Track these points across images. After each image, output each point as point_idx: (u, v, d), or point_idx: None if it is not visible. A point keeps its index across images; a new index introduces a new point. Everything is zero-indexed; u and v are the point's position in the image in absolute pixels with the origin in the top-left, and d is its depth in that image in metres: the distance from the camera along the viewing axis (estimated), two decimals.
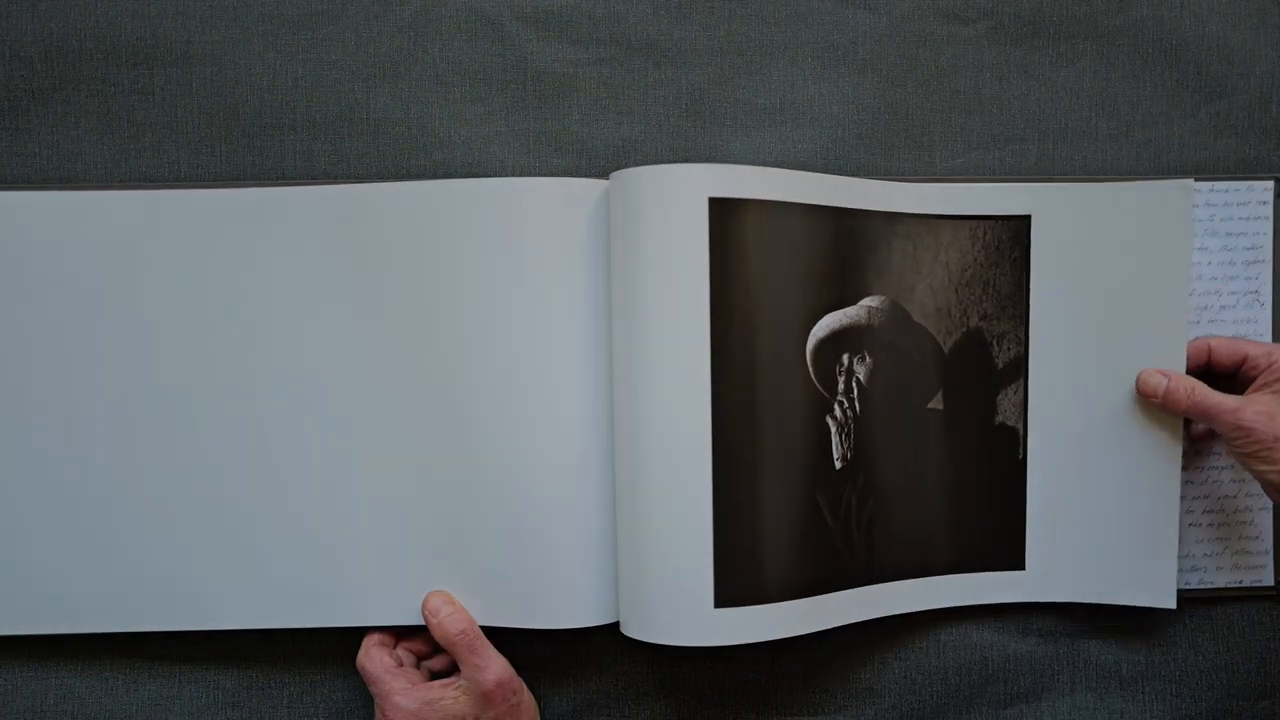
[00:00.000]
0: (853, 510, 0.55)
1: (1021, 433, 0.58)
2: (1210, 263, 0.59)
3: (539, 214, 0.52)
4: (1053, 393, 0.58)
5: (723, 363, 0.51)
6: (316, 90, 0.56)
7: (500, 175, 0.57)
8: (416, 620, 0.53)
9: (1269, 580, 0.60)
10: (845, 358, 0.55)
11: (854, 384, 0.55)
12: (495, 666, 0.51)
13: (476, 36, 0.57)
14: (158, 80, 0.56)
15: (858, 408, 0.55)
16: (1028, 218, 0.57)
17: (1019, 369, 0.58)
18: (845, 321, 0.54)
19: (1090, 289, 0.57)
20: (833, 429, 0.54)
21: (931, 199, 0.56)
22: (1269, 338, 0.59)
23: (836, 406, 0.54)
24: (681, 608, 0.51)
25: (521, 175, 0.57)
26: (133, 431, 0.54)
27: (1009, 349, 0.58)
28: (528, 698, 0.53)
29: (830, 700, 0.59)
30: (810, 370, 0.53)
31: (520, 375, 0.52)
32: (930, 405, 0.57)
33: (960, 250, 0.57)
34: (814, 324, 0.53)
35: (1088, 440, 0.58)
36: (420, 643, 0.55)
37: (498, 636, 0.53)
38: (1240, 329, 0.59)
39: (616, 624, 0.54)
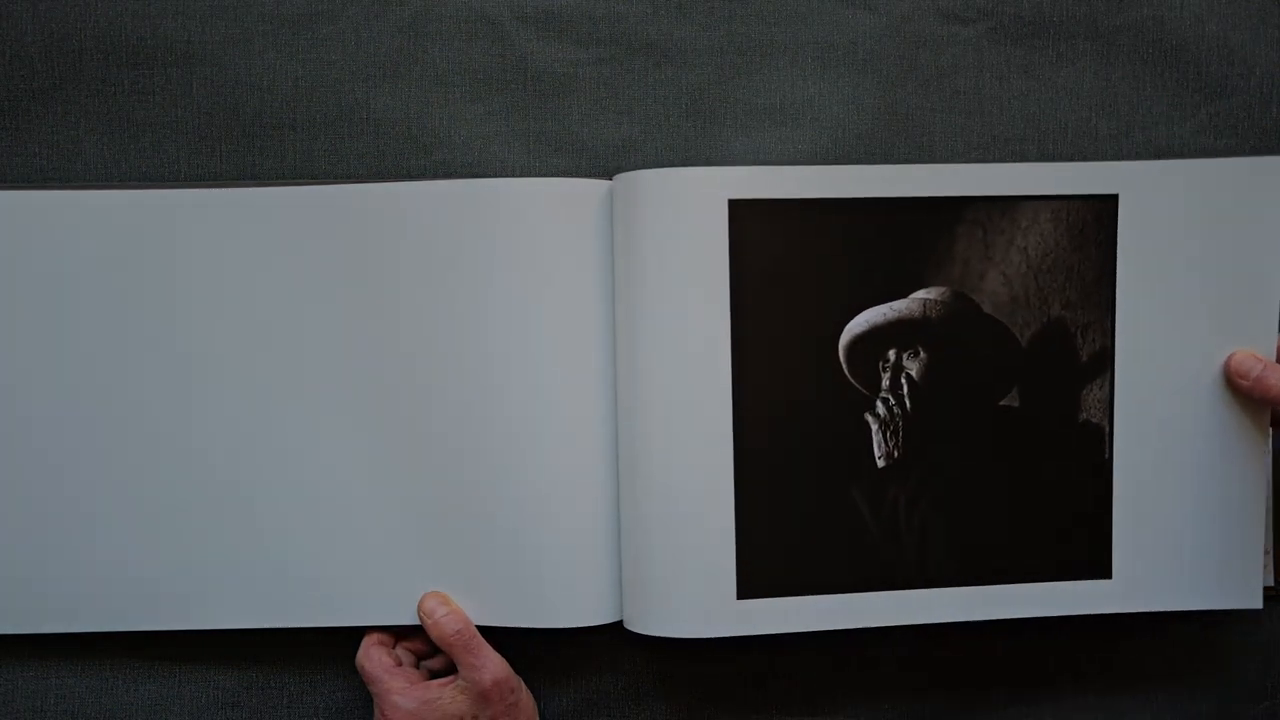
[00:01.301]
0: (900, 509, 0.54)
1: (1107, 431, 0.54)
2: None
3: (539, 214, 0.52)
4: (1139, 387, 0.54)
5: (744, 361, 0.51)
6: (316, 90, 0.56)
7: (500, 175, 0.57)
8: (415, 620, 0.53)
9: (1269, 580, 0.60)
10: (892, 353, 0.53)
11: (903, 380, 0.53)
12: (492, 666, 0.51)
13: (476, 36, 0.57)
14: (158, 80, 0.56)
15: (908, 404, 0.53)
16: (1114, 197, 0.53)
17: (1104, 362, 0.54)
18: (891, 316, 0.53)
19: (1177, 274, 0.53)
20: (874, 426, 0.53)
21: (1007, 180, 0.53)
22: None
23: (880, 404, 0.53)
24: (701, 600, 0.52)
25: (521, 175, 0.57)
26: (132, 431, 0.54)
27: (1094, 341, 0.54)
28: (526, 697, 0.53)
29: (830, 700, 0.59)
30: (845, 366, 0.53)
31: (519, 374, 0.52)
32: (1003, 402, 0.54)
33: (1040, 234, 0.53)
34: (850, 320, 0.53)
35: (1173, 436, 0.54)
36: (419, 642, 0.55)
37: (497, 636, 0.53)
38: None
39: (617, 623, 0.54)
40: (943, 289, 0.53)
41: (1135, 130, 0.59)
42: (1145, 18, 0.59)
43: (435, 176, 0.56)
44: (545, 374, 0.52)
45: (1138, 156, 0.59)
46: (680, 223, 0.51)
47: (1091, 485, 0.55)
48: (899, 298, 0.53)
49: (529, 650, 0.55)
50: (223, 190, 0.54)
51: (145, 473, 0.54)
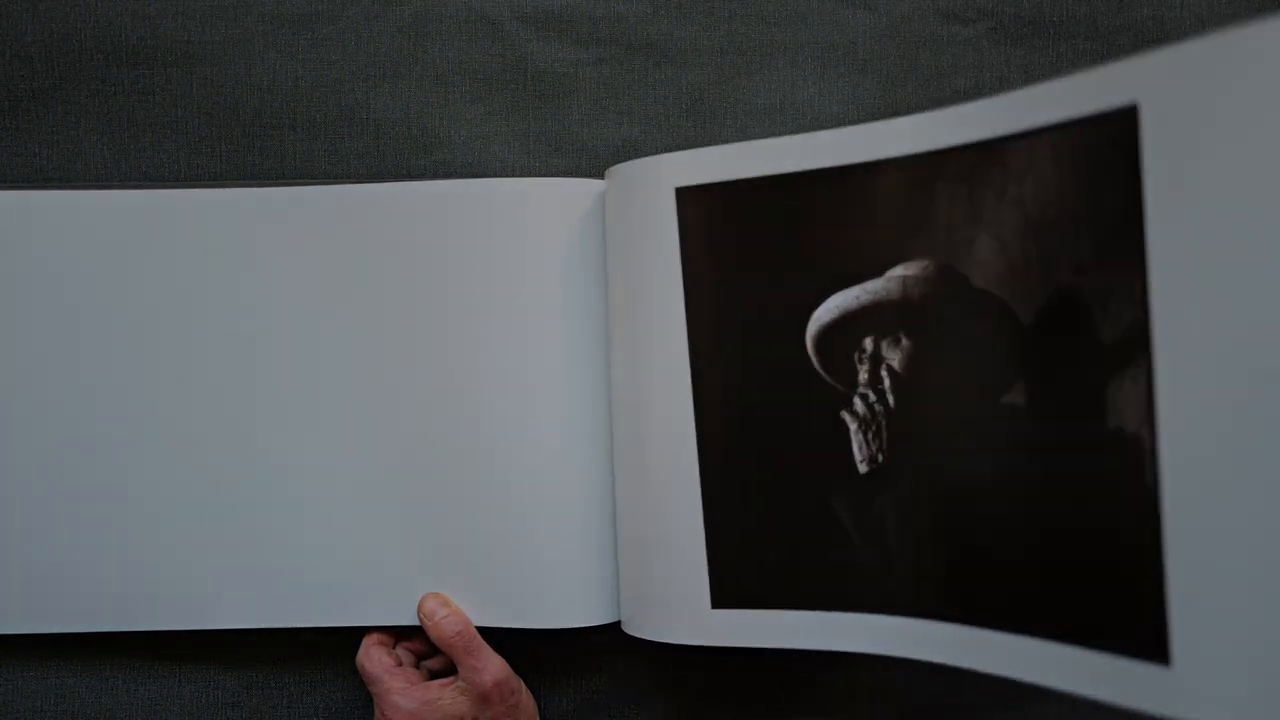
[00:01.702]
0: (890, 524, 0.46)
1: (1149, 444, 0.37)
2: None
3: (538, 214, 0.52)
4: (1195, 379, 0.35)
5: (702, 358, 0.49)
6: (316, 90, 0.56)
7: (500, 175, 0.57)
8: (415, 621, 0.53)
9: None
10: (868, 342, 0.45)
11: (883, 372, 0.45)
12: (492, 667, 0.51)
13: (476, 36, 0.57)
14: (158, 80, 0.56)
15: (891, 400, 0.45)
16: (1133, 110, 0.36)
17: (1138, 344, 0.37)
18: (864, 299, 0.45)
19: (1243, 200, 0.34)
20: (852, 426, 0.46)
21: (988, 119, 0.42)
22: None
23: (858, 400, 0.46)
24: (679, 606, 0.51)
25: (521, 175, 0.57)
26: (132, 431, 0.54)
27: (1119, 314, 0.38)
28: (526, 698, 0.53)
29: (831, 700, 0.59)
30: (815, 360, 0.46)
31: (518, 375, 0.52)
32: (1007, 399, 0.42)
33: (1039, 178, 0.40)
34: (818, 308, 0.46)
35: (1257, 450, 0.34)
36: (419, 642, 0.55)
37: (498, 636, 0.53)
38: None
39: (617, 624, 0.54)
40: (924, 263, 0.44)
41: None
42: (1145, 18, 0.59)
43: (435, 176, 0.56)
44: (545, 374, 0.52)
45: None
46: (636, 217, 0.50)
47: (1131, 521, 0.37)
48: (874, 277, 0.45)
49: (529, 651, 0.55)
50: (223, 190, 0.54)
51: (144, 473, 0.54)
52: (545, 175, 0.57)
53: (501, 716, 0.51)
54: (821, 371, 0.47)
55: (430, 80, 0.57)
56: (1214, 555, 0.35)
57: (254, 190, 0.54)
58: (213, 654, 0.57)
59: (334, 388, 0.54)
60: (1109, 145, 0.38)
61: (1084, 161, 0.39)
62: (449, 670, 0.54)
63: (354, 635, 0.54)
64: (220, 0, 0.56)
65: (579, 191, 0.53)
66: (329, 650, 0.56)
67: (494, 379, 0.52)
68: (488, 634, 0.53)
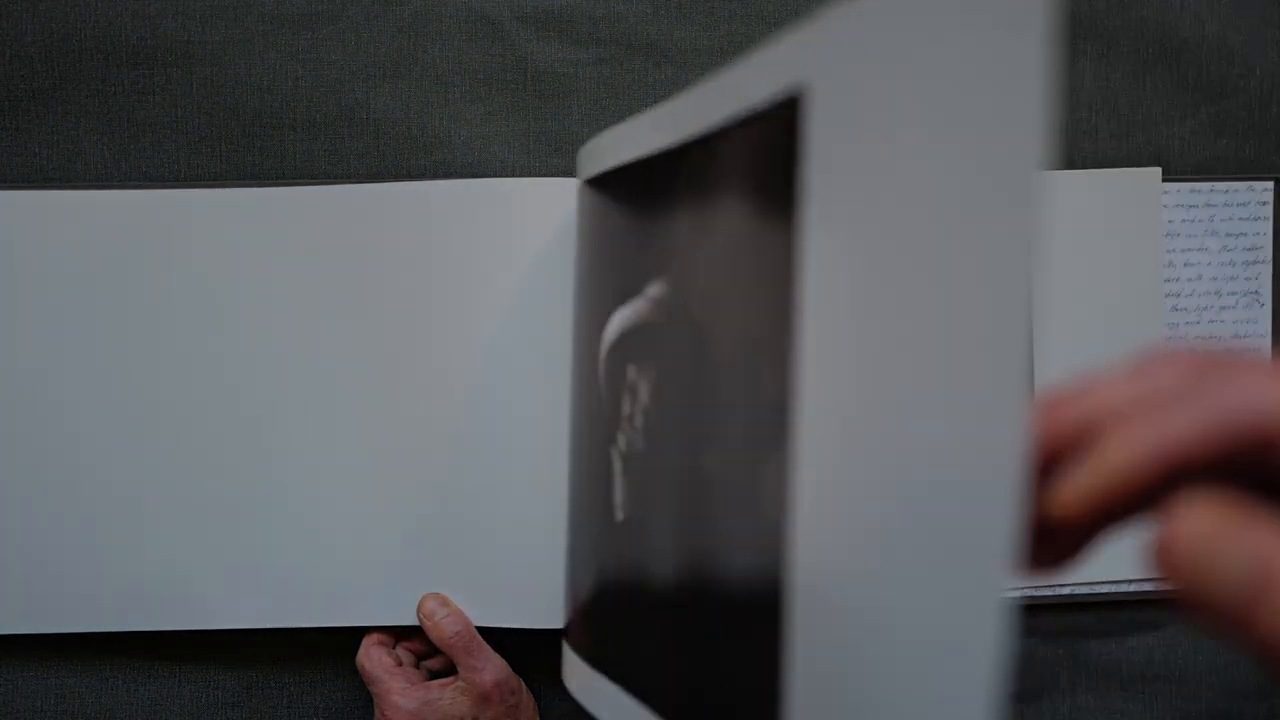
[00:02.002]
0: (640, 595, 0.34)
1: (779, 576, 0.25)
2: (1210, 263, 0.59)
3: (538, 214, 0.52)
4: (848, 484, 0.23)
5: (575, 372, 0.46)
6: (316, 90, 0.56)
7: (500, 175, 0.57)
8: (415, 621, 0.53)
9: None
10: (631, 370, 0.37)
11: (638, 409, 0.36)
12: (492, 667, 0.51)
13: (476, 36, 0.57)
14: (158, 80, 0.56)
15: (640, 442, 0.35)
16: (794, 101, 0.26)
17: (781, 422, 0.26)
18: (633, 319, 0.37)
19: (935, 224, 0.23)
20: (616, 466, 0.37)
21: (711, 104, 0.31)
22: (1268, 338, 0.59)
23: (621, 435, 0.37)
24: (566, 626, 0.50)
25: (521, 175, 0.57)
26: (132, 431, 0.54)
27: (774, 379, 0.27)
28: (527, 698, 0.53)
29: None
30: (603, 384, 0.39)
31: (519, 375, 0.52)
32: (704, 460, 0.31)
33: (735, 185, 0.30)
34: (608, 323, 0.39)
35: (928, 599, 0.22)
36: (419, 642, 0.55)
37: (498, 636, 0.53)
38: (1240, 329, 0.59)
39: None
40: (662, 283, 0.35)
41: (1135, 130, 0.59)
42: (1145, 18, 0.59)
43: (435, 176, 0.56)
44: (546, 375, 0.52)
45: (1138, 156, 0.59)
46: (576, 217, 0.50)
47: (760, 673, 0.26)
48: (639, 293, 0.37)
49: (529, 651, 0.55)
50: (223, 190, 0.54)
51: (144, 473, 0.54)
52: (545, 175, 0.57)
53: (501, 716, 0.51)
54: (606, 398, 0.39)
55: (430, 80, 0.57)
56: None
57: (254, 190, 0.54)
58: (213, 654, 0.57)
59: (334, 388, 0.54)
60: (771, 149, 0.27)
61: (749, 170, 0.29)
62: (449, 670, 0.54)
63: (354, 635, 0.54)
64: (220, 0, 0.56)
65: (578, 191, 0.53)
66: (329, 650, 0.56)
67: (494, 379, 0.52)
68: (488, 634, 0.52)
